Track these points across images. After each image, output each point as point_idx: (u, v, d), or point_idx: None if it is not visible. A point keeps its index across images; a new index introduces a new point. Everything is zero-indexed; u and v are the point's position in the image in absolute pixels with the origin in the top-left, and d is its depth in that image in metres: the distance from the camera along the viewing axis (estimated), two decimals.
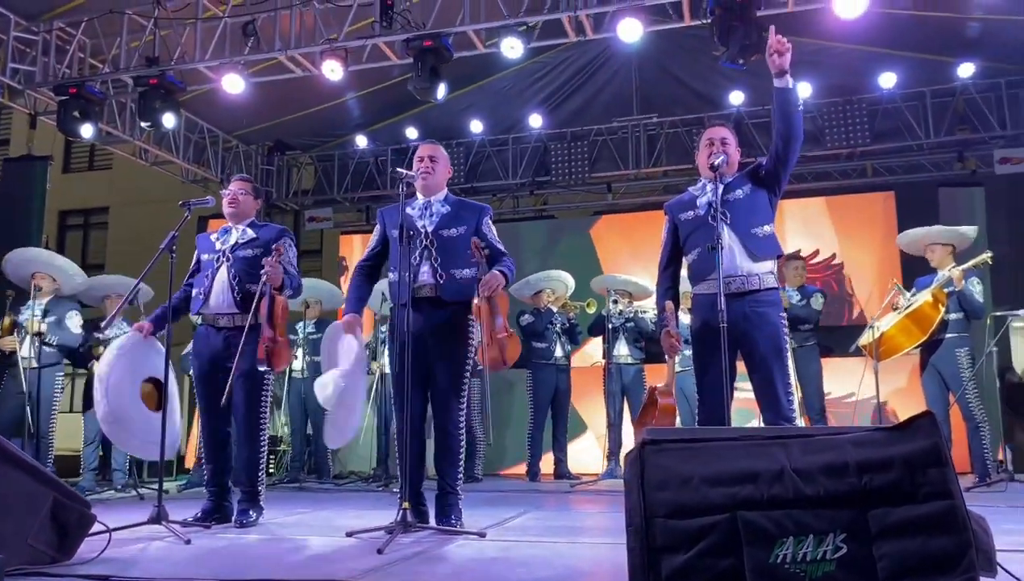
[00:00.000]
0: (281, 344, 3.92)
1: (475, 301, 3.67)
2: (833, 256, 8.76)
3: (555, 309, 7.41)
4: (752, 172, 3.53)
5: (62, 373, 6.29)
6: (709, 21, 5.82)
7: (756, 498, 1.90)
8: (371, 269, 3.94)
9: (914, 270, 6.69)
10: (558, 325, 7.37)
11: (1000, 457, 6.00)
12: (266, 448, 4.17)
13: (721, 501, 1.91)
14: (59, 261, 6.30)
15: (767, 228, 3.43)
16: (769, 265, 3.40)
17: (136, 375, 3.92)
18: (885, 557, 1.81)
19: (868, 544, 1.83)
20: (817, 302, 6.41)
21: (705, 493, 1.93)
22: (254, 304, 3.90)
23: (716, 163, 3.37)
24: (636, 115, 9.37)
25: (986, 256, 5.70)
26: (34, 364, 5.98)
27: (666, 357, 3.74)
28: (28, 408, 5.85)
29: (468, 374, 3.79)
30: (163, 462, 3.70)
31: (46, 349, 6.05)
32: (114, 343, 4.16)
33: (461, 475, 3.77)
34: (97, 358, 6.50)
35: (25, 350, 5.98)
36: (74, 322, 6.22)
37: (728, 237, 3.35)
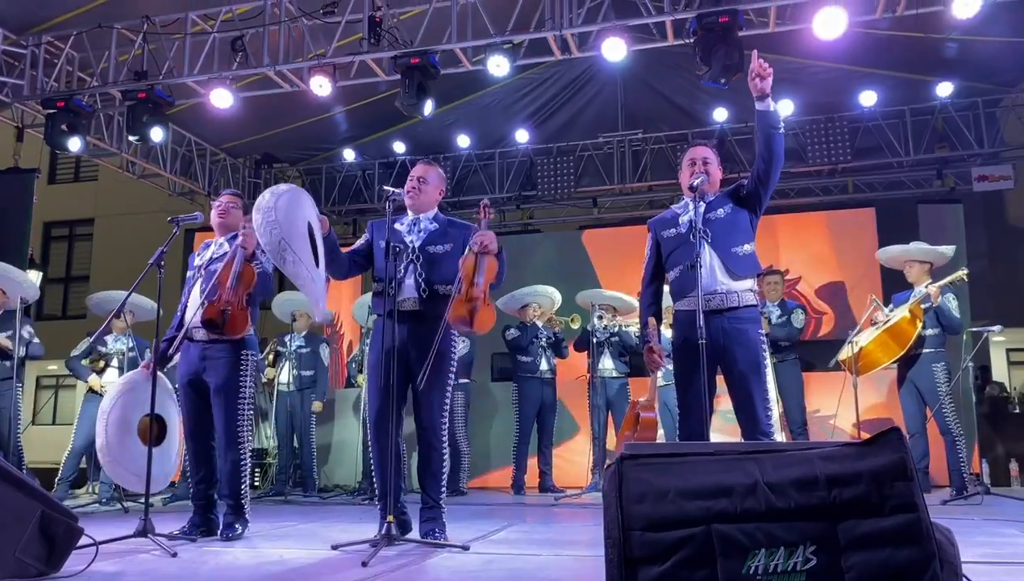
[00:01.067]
0: (239, 311, 3.93)
1: (465, 254, 3.62)
2: (787, 270, 8.87)
3: (540, 323, 7.48)
4: (734, 191, 3.61)
5: (20, 384, 6.32)
6: (692, 41, 5.92)
7: (730, 511, 1.96)
8: (352, 256, 3.94)
9: (894, 285, 6.81)
10: (543, 339, 7.43)
11: (976, 470, 6.09)
12: (248, 460, 4.19)
13: (696, 514, 1.97)
14: (12, 273, 6.34)
15: (747, 247, 3.51)
16: (749, 283, 3.48)
17: (137, 411, 3.95)
18: (853, 568, 1.87)
19: (837, 555, 1.89)
20: (798, 319, 6.50)
21: (681, 506, 1.99)
22: (222, 264, 3.97)
23: (696, 183, 3.45)
24: (621, 131, 9.50)
25: (962, 273, 5.82)
26: None
27: (648, 372, 3.81)
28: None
29: (451, 387, 3.84)
30: (149, 476, 3.72)
31: (3, 363, 6.10)
32: (121, 379, 4.22)
33: (444, 488, 3.82)
34: (97, 371, 6.55)
35: None
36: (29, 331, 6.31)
37: (708, 255, 3.43)
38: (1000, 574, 2.76)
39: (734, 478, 2.01)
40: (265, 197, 3.43)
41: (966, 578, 2.21)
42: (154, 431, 3.88)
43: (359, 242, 4.00)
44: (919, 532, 1.88)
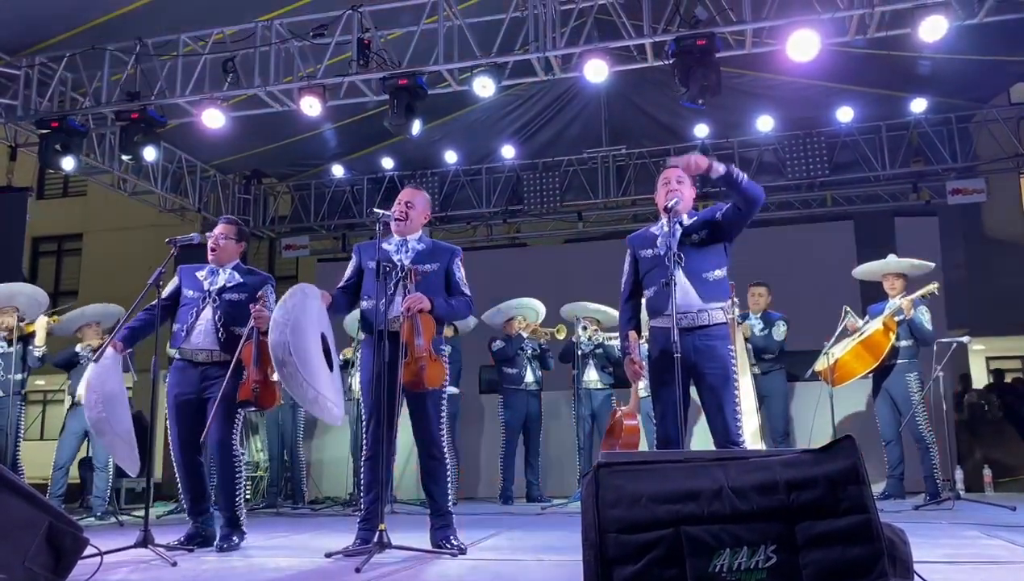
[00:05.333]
0: (269, 384, 4.07)
1: (400, 321, 3.78)
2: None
3: (525, 335, 7.61)
4: (711, 217, 3.75)
5: (24, 401, 6.43)
6: (671, 63, 6.11)
7: (698, 514, 2.12)
8: (348, 293, 4.08)
9: (871, 297, 7.00)
10: (529, 351, 7.58)
11: (947, 476, 6.28)
12: (243, 473, 4.30)
13: (667, 517, 2.13)
14: (27, 289, 6.47)
15: (718, 273, 3.69)
16: (719, 302, 3.66)
17: (119, 382, 4.00)
18: (810, 565, 2.04)
19: (795, 554, 2.05)
20: (779, 331, 6.65)
21: (652, 510, 2.15)
22: (240, 345, 4.07)
23: (670, 205, 3.63)
24: (605, 146, 9.69)
25: (933, 287, 6.03)
26: None
27: (630, 382, 3.98)
28: None
29: (445, 400, 3.99)
30: (150, 488, 3.85)
31: (12, 377, 6.21)
32: (104, 356, 4.21)
33: (451, 495, 3.98)
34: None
35: None
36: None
37: (681, 277, 3.61)
38: (956, 573, 2.93)
39: (701, 483, 2.17)
40: (277, 319, 3.59)
41: (918, 575, 2.38)
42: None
43: (349, 271, 4.10)
44: (869, 531, 2.05)
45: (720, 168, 3.52)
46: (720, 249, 3.73)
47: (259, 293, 4.16)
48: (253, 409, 4.09)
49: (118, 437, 3.98)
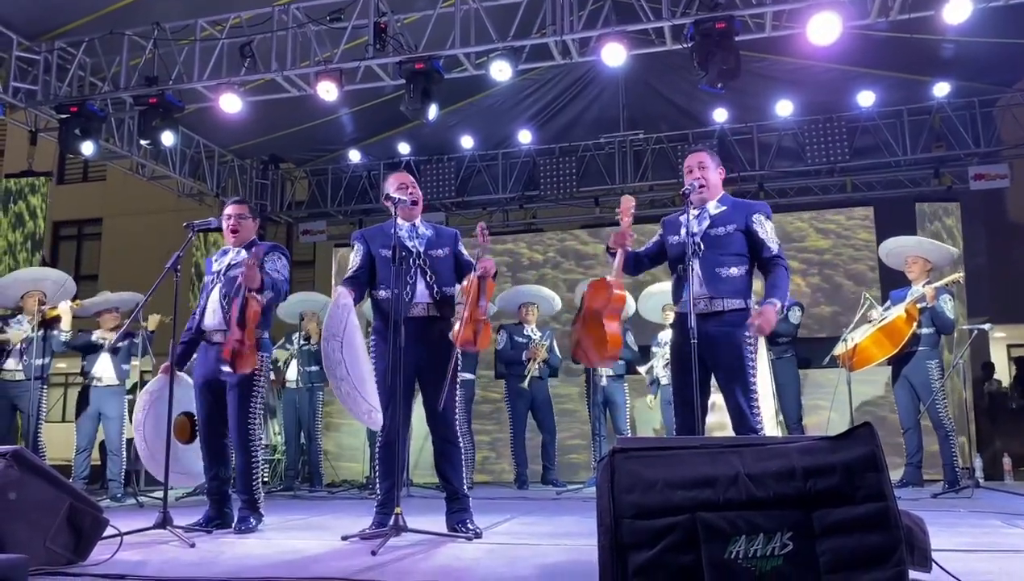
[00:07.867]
0: (248, 347, 4.04)
1: (467, 279, 3.78)
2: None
3: (530, 332, 7.54)
4: (744, 227, 3.67)
5: (46, 384, 6.50)
6: (689, 46, 6.05)
7: (714, 500, 2.11)
8: (360, 283, 4.02)
9: (891, 283, 6.93)
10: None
11: (966, 464, 6.23)
12: (260, 455, 4.34)
13: (682, 503, 2.12)
14: (53, 274, 6.53)
15: (734, 270, 3.62)
16: (735, 299, 3.62)
17: (165, 415, 4.01)
18: (826, 553, 2.02)
19: (812, 541, 2.04)
20: (794, 315, 6.64)
21: (668, 496, 2.14)
22: (227, 304, 4.12)
23: (686, 189, 3.59)
24: (623, 131, 9.63)
25: (958, 276, 5.95)
26: (19, 377, 6.27)
27: (610, 251, 3.88)
28: (19, 419, 6.17)
29: (460, 385, 4.00)
30: (168, 471, 3.89)
31: (33, 361, 6.28)
32: (145, 388, 4.37)
33: (467, 479, 3.99)
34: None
35: (13, 363, 6.26)
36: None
37: (698, 267, 3.58)
38: (975, 561, 2.91)
39: (718, 470, 2.16)
40: (328, 332, 3.59)
41: (937, 564, 2.36)
42: (188, 428, 4.07)
43: (358, 260, 4.03)
44: (887, 519, 2.03)
45: (777, 303, 3.56)
46: (743, 247, 3.66)
47: (252, 251, 4.12)
48: (228, 369, 4.07)
49: (171, 471, 3.96)
